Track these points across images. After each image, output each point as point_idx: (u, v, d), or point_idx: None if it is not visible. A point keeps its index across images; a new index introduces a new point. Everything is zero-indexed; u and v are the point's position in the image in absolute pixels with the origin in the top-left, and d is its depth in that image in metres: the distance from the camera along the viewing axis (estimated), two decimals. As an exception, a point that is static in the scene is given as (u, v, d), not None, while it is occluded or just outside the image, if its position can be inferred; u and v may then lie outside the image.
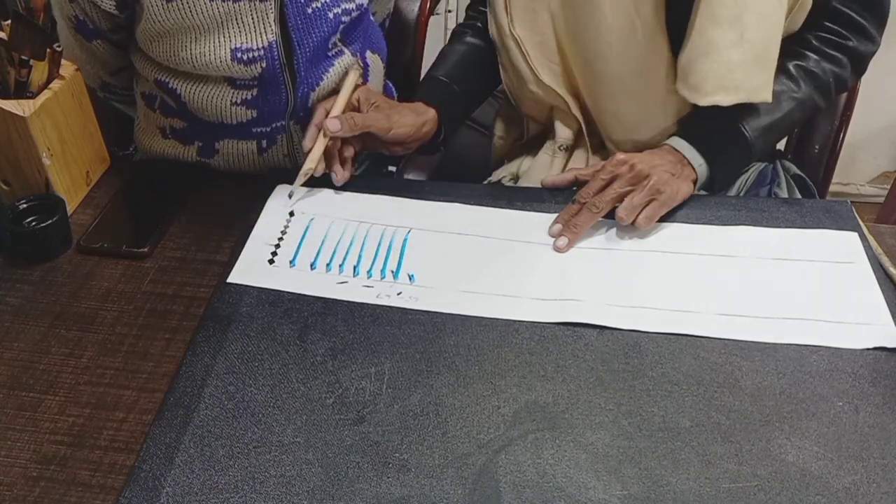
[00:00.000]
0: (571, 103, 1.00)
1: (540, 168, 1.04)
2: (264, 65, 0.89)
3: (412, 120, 0.95)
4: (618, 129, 0.97)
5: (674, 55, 0.90)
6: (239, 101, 0.93)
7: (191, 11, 0.84)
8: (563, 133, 1.03)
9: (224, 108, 0.93)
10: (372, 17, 1.07)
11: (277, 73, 0.90)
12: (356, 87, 0.95)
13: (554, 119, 1.04)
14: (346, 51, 0.97)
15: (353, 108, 0.94)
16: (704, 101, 0.86)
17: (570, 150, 1.04)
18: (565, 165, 1.04)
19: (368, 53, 1.04)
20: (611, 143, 1.00)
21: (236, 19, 0.86)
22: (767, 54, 0.85)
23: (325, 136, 0.89)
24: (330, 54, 0.95)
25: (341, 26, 0.94)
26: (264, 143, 0.98)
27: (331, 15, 0.92)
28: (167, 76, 0.93)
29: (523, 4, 0.97)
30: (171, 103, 0.96)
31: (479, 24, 1.07)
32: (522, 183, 1.05)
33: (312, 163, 0.89)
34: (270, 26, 0.87)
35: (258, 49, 0.88)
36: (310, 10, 0.89)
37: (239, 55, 0.87)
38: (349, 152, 0.94)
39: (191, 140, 0.99)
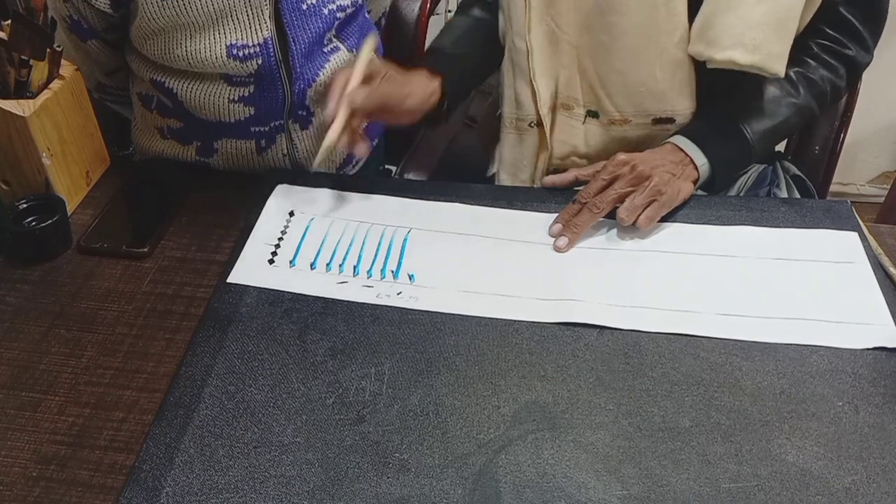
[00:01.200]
0: (540, 75, 0.97)
1: (510, 147, 1.02)
2: (260, 61, 0.89)
3: (422, 89, 0.93)
4: (622, 92, 0.95)
5: (689, 24, 0.89)
6: (236, 98, 0.93)
7: (185, 8, 0.84)
8: (528, 107, 1.00)
9: (222, 105, 0.93)
10: (367, 15, 1.07)
11: (273, 69, 0.90)
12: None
13: (516, 84, 1.00)
14: (341, 47, 0.97)
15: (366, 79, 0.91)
16: (720, 56, 0.85)
17: (539, 125, 1.01)
18: (540, 143, 1.01)
19: None
20: (611, 106, 0.97)
21: (231, 15, 0.86)
22: (788, 23, 0.85)
23: (347, 108, 0.86)
24: (325, 50, 0.95)
25: (336, 22, 0.94)
26: (263, 142, 0.98)
27: (325, 11, 0.91)
28: (163, 75, 0.93)
29: None
30: (168, 103, 0.96)
31: None
32: (504, 169, 1.04)
33: (335, 133, 0.85)
34: (265, 22, 0.87)
35: (254, 45, 0.88)
36: (304, 6, 0.89)
37: (234, 52, 0.87)
38: (361, 125, 0.91)
39: (189, 140, 0.99)
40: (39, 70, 0.86)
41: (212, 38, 0.87)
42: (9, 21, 0.82)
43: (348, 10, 0.95)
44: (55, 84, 0.87)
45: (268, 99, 0.94)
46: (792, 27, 0.86)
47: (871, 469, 0.63)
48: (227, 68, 0.89)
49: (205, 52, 0.87)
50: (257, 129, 0.96)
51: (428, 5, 1.25)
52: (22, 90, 0.86)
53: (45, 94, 0.85)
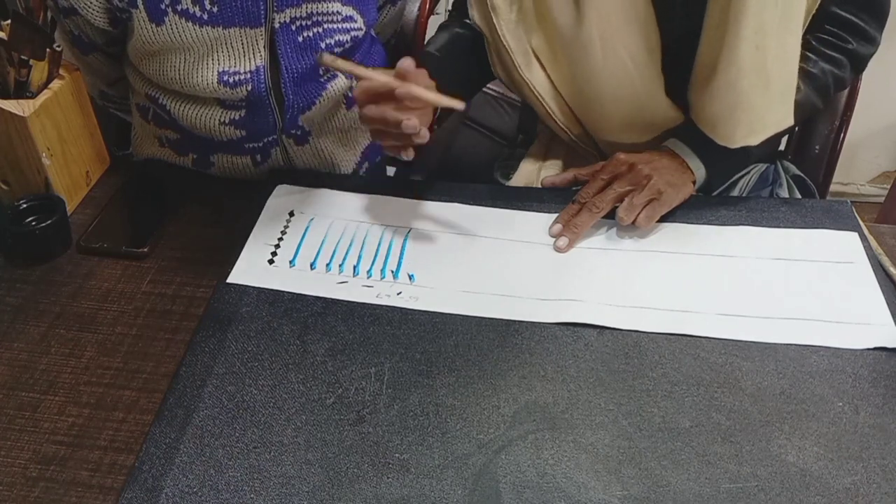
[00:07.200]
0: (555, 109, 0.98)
1: (525, 174, 1.03)
2: (250, 87, 0.88)
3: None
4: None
5: (669, 96, 0.91)
6: (227, 122, 0.92)
7: (180, 35, 0.84)
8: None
9: (213, 126, 0.93)
10: (375, 35, 1.06)
11: (263, 95, 0.90)
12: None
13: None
14: (338, 74, 0.97)
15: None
16: (735, 146, 0.87)
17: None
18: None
19: None
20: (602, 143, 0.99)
21: (226, 44, 0.86)
22: (789, 87, 0.85)
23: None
24: (322, 80, 0.95)
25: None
26: (258, 157, 0.98)
27: (323, 45, 0.91)
28: (157, 92, 0.93)
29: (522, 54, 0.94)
30: (164, 116, 0.96)
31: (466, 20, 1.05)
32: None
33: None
34: (260, 52, 0.87)
35: (244, 73, 0.87)
36: (301, 39, 0.89)
37: (225, 78, 0.87)
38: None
39: (185, 151, 0.99)
40: (39, 70, 0.86)
41: (205, 64, 0.86)
42: (9, 21, 0.82)
43: (347, 46, 0.93)
44: (55, 84, 0.87)
45: (258, 123, 0.93)
46: (793, 83, 0.86)
47: (871, 469, 0.63)
48: (218, 93, 0.88)
49: (197, 77, 0.87)
50: (251, 145, 0.96)
51: (427, 6, 1.25)
52: (22, 90, 0.86)
53: (45, 94, 0.85)
